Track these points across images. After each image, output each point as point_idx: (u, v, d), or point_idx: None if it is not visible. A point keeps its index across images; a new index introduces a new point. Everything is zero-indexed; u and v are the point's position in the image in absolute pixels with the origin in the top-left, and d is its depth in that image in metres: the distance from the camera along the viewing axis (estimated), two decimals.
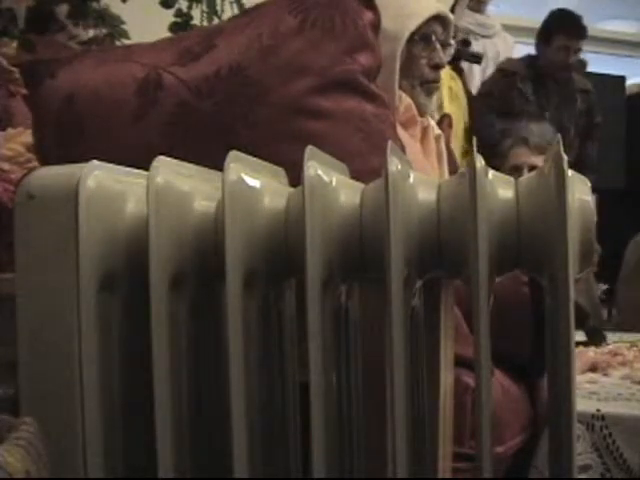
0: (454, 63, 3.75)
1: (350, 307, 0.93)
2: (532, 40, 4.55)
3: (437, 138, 1.98)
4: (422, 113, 1.92)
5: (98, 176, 0.85)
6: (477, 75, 4.65)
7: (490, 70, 4.68)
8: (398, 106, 1.82)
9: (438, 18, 1.91)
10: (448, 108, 3.58)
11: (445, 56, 1.94)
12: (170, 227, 0.84)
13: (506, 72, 4.29)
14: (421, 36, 1.87)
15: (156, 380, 0.82)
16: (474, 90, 4.33)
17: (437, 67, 1.91)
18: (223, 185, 0.83)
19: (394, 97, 1.79)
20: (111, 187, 0.86)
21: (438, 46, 1.90)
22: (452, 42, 1.98)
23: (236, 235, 0.83)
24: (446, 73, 3.55)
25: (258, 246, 0.84)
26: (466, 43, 3.95)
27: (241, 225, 0.83)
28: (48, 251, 0.84)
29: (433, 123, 1.99)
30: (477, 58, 4.00)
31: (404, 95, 1.86)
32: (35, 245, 0.84)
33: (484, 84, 4.34)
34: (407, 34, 1.84)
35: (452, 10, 4.21)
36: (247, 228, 0.84)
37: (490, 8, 5.26)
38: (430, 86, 1.92)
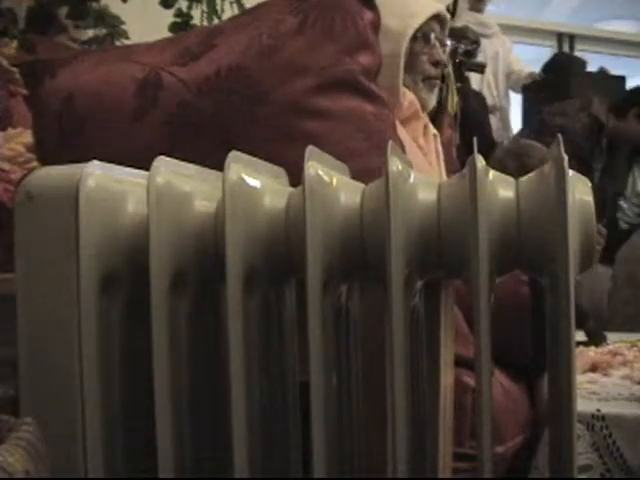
0: (458, 72, 3.76)
1: (350, 307, 0.93)
2: (532, 40, 4.55)
3: (433, 137, 2.00)
4: (424, 108, 1.95)
5: (98, 176, 0.85)
6: (473, 79, 4.66)
7: (488, 70, 4.68)
8: (402, 101, 1.84)
9: (437, 17, 1.96)
10: None
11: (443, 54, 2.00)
12: (170, 227, 0.84)
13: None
14: (422, 34, 1.92)
15: (156, 380, 0.82)
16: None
17: (437, 64, 1.97)
18: (223, 185, 0.83)
19: (399, 93, 1.83)
20: (111, 187, 0.86)
21: (437, 44, 1.94)
22: (448, 42, 2.03)
23: (236, 235, 0.83)
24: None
25: (258, 246, 0.84)
26: (469, 54, 3.97)
27: (241, 225, 0.83)
28: (48, 251, 0.84)
29: (429, 123, 2.01)
30: (481, 67, 4.02)
31: (407, 91, 1.89)
32: (35, 245, 0.84)
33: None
34: (411, 32, 1.88)
35: (453, 9, 4.21)
36: (247, 228, 0.84)
37: (489, 8, 5.28)
38: (432, 82, 1.98)
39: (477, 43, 4.04)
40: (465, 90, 4.02)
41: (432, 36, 1.93)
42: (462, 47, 3.75)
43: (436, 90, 2.00)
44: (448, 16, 2.02)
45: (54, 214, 0.83)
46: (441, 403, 0.96)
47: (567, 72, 5.29)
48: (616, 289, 3.34)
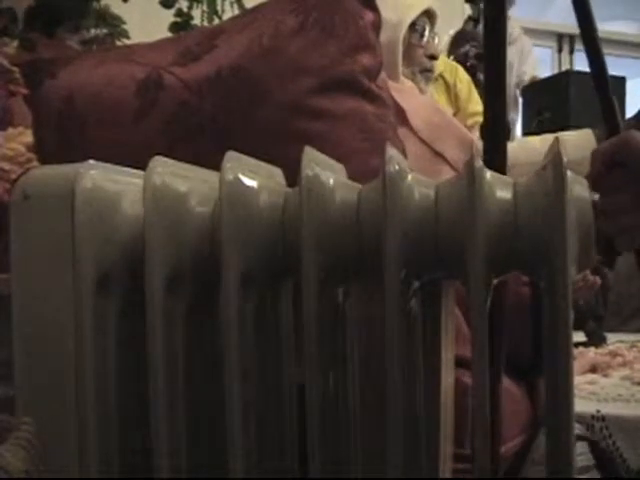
0: (472, 77, 3.77)
1: (347, 307, 0.92)
2: (532, 40, 4.52)
3: None
4: None
5: (94, 176, 0.85)
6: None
7: None
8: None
9: (427, 12, 2.07)
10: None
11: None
12: (166, 228, 0.83)
13: None
14: (418, 27, 2.01)
15: (151, 380, 0.82)
16: None
17: (432, 57, 2.07)
18: (220, 186, 0.83)
19: (398, 80, 1.87)
20: (107, 187, 0.86)
21: (431, 39, 2.03)
22: (437, 39, 2.12)
23: (233, 236, 0.83)
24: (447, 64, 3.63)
25: (255, 247, 0.84)
26: (481, 57, 3.94)
27: (238, 226, 0.83)
28: (44, 251, 0.84)
29: None
30: None
31: (406, 79, 1.94)
32: (31, 245, 0.84)
33: None
34: (409, 20, 1.99)
35: (477, 16, 4.19)
36: (244, 229, 0.84)
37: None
38: (428, 74, 2.06)
39: (481, 57, 4.02)
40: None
41: (426, 31, 2.00)
42: (473, 50, 3.75)
43: (431, 82, 2.08)
44: (437, 12, 2.12)
45: (50, 214, 0.83)
46: (442, 404, 0.96)
47: (567, 74, 5.28)
48: (618, 283, 3.32)
